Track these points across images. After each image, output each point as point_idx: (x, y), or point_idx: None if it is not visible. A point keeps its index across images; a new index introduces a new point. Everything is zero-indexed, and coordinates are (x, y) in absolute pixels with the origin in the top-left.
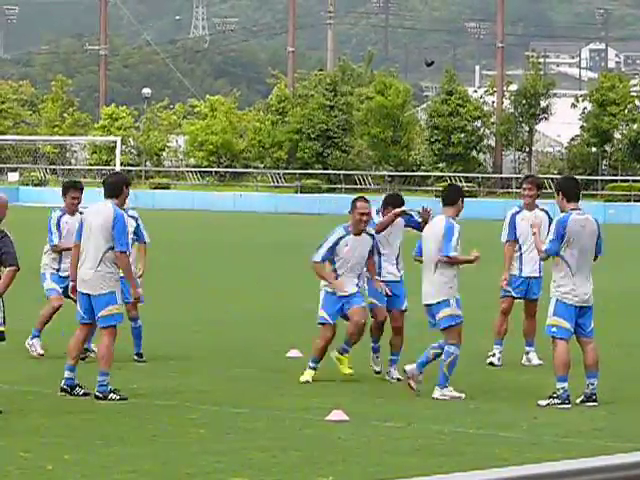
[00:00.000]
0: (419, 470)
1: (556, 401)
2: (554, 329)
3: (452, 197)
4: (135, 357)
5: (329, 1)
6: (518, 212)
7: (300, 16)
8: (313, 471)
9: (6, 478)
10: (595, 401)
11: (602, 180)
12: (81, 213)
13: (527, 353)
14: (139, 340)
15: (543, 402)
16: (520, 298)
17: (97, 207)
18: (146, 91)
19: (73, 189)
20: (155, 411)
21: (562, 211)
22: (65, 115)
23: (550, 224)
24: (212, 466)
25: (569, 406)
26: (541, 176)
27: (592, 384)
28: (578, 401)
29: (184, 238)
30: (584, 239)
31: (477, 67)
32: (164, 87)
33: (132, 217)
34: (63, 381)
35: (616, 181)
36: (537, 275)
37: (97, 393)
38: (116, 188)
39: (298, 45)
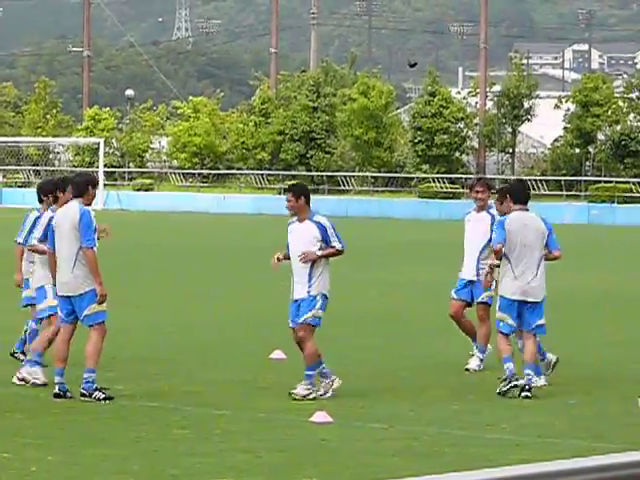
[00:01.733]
0: (403, 471)
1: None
2: (501, 324)
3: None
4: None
5: (312, 2)
6: (468, 213)
7: (283, 17)
8: (297, 472)
9: None
10: (529, 391)
11: (585, 181)
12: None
13: (472, 356)
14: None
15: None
16: (469, 303)
17: (64, 210)
18: (129, 92)
19: None
20: (139, 412)
21: (506, 213)
22: (48, 117)
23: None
24: (196, 467)
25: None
26: (525, 177)
27: (529, 375)
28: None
29: (167, 240)
30: (526, 235)
31: (460, 68)
32: (147, 88)
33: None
34: (56, 387)
35: (600, 182)
36: (476, 279)
37: (82, 390)
38: (80, 187)
39: (281, 46)
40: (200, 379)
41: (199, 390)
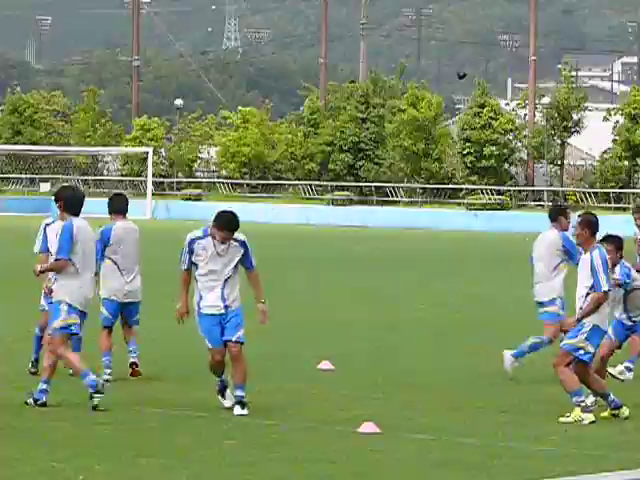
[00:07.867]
0: None
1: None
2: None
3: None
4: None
5: (362, 13)
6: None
7: (332, 28)
8: None
9: None
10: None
11: (634, 193)
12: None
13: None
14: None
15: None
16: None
17: None
18: (178, 102)
19: None
20: (186, 422)
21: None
22: (97, 126)
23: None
24: (244, 477)
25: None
26: (573, 189)
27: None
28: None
29: None
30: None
31: (509, 80)
32: (196, 98)
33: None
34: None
35: None
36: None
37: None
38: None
39: (330, 57)
40: (249, 389)
41: (248, 400)
